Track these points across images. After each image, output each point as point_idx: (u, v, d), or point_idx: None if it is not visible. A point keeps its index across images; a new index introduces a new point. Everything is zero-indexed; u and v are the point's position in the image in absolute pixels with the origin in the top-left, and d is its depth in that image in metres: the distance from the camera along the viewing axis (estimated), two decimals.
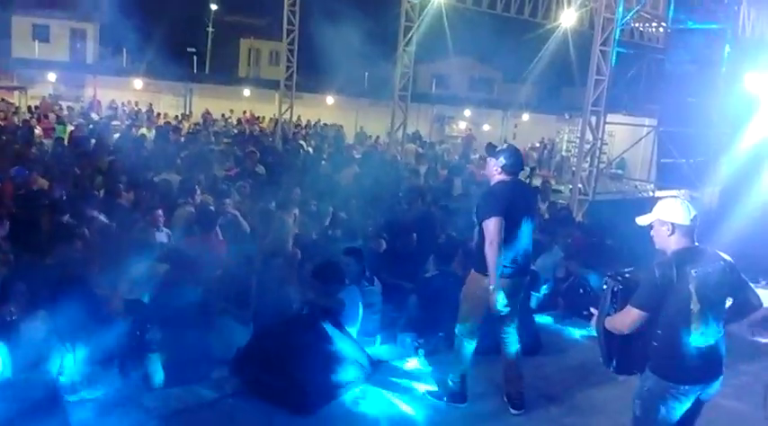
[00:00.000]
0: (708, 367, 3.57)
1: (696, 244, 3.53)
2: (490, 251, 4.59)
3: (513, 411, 4.99)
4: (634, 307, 3.48)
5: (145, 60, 25.97)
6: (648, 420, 3.61)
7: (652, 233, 3.62)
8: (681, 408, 3.61)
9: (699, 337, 3.44)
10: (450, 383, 5.07)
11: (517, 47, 24.41)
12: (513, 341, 5.03)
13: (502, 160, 4.82)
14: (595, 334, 3.81)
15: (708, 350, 3.51)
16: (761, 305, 3.69)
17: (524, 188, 5.16)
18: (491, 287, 4.61)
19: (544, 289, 7.60)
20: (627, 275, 3.68)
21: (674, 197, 3.65)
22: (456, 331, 5.02)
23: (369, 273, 6.38)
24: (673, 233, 3.53)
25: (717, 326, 3.51)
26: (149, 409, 4.49)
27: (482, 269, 4.74)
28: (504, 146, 5.25)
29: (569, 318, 7.11)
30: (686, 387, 3.55)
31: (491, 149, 5.31)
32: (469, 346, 4.96)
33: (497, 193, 4.79)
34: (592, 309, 3.85)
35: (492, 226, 4.59)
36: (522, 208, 4.83)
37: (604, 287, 3.73)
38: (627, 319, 3.52)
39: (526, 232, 4.88)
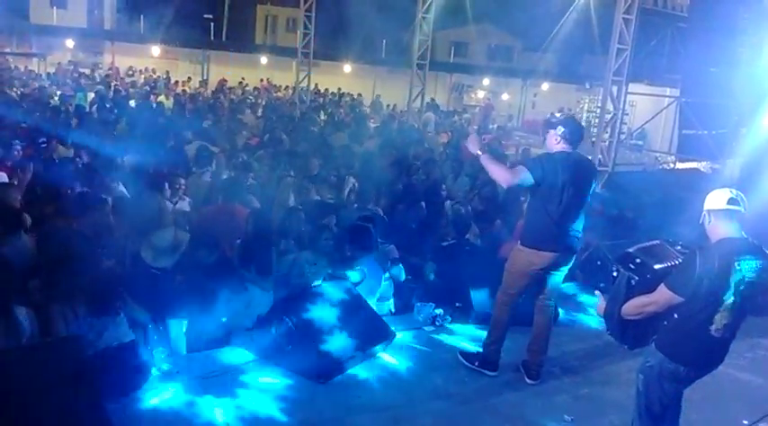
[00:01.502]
0: (717, 356, 3.61)
1: (744, 235, 3.46)
2: (502, 174, 4.66)
3: (528, 380, 5.07)
4: (670, 290, 3.43)
5: (162, 27, 25.87)
6: (649, 395, 3.66)
7: None
8: (682, 387, 3.67)
9: (720, 327, 3.42)
10: (484, 349, 5.14)
11: (537, 14, 24.01)
12: (549, 314, 5.12)
13: (561, 129, 4.77)
14: (603, 317, 3.81)
15: (722, 341, 3.53)
16: None
17: (586, 163, 5.03)
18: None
19: None
20: (638, 261, 3.64)
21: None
22: (497, 298, 5.07)
23: (381, 241, 6.45)
24: (711, 221, 3.49)
25: (740, 321, 3.49)
26: (172, 374, 4.60)
27: (529, 242, 4.79)
28: (561, 116, 5.20)
29: (586, 289, 7.13)
30: (692, 371, 3.59)
31: (548, 123, 5.24)
32: (507, 315, 5.01)
33: (552, 160, 4.70)
34: (597, 293, 3.87)
35: (519, 172, 4.61)
36: (581, 184, 4.75)
37: (615, 274, 3.72)
38: (660, 300, 3.47)
39: (581, 208, 4.83)
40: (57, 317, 4.36)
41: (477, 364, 5.12)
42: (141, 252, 5.33)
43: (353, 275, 5.76)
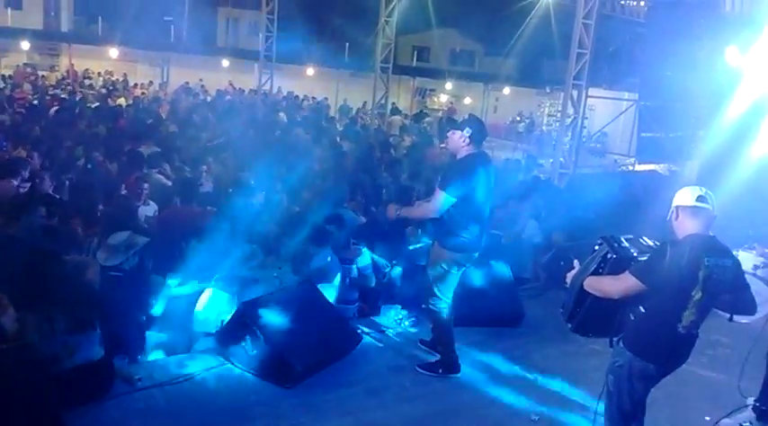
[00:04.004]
0: (685, 352, 3.63)
1: (711, 234, 3.48)
2: (424, 211, 4.90)
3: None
4: (634, 276, 3.43)
5: (120, 29, 25.39)
6: (621, 395, 3.66)
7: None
8: (651, 385, 3.68)
9: (687, 324, 3.43)
10: (442, 355, 5.14)
11: (499, 19, 24.28)
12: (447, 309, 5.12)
13: (468, 130, 4.81)
14: (567, 287, 3.81)
15: (689, 337, 3.54)
16: (755, 312, 3.71)
17: (490, 161, 5.13)
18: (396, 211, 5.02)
19: None
20: (623, 245, 3.64)
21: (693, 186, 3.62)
22: (430, 303, 5.07)
23: (353, 241, 6.41)
24: (678, 217, 3.52)
25: (704, 317, 3.50)
26: (134, 381, 4.47)
27: (442, 242, 4.90)
28: (466, 116, 5.27)
29: (550, 290, 7.18)
30: (660, 368, 3.61)
31: (452, 122, 5.33)
32: (446, 315, 5.04)
33: (464, 167, 4.81)
34: (575, 262, 3.83)
35: (439, 199, 4.73)
36: (487, 183, 4.87)
37: (596, 248, 3.70)
38: (621, 285, 3.48)
39: (488, 207, 4.97)
40: (31, 328, 4.23)
41: (440, 371, 5.12)
42: (98, 254, 5.17)
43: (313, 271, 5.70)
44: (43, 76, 22.98)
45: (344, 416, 4.44)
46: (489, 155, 5.27)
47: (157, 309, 5.20)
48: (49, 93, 18.31)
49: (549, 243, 8.01)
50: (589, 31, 12.00)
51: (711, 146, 9.89)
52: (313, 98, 25.81)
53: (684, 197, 3.52)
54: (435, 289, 5.00)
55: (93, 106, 16.08)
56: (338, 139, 13.16)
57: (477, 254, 5.04)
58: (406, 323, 5.92)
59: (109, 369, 4.39)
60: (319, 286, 5.67)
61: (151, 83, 24.46)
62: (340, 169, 9.14)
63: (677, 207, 3.53)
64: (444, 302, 5.01)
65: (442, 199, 4.71)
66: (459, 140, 4.85)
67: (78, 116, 13.13)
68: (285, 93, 24.79)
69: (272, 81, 20.08)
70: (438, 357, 5.18)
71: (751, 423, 4.76)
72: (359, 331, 5.53)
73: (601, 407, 3.78)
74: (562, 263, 7.41)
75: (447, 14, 29.45)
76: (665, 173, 13.34)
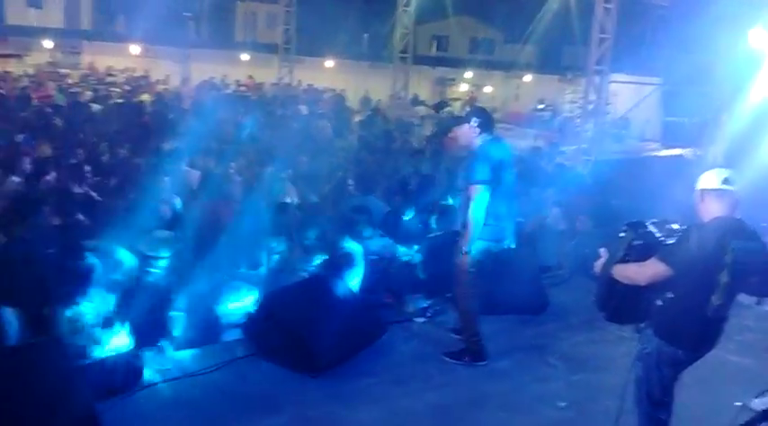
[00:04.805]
0: (714, 336, 3.59)
1: (737, 216, 3.43)
2: (473, 218, 4.71)
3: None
4: (661, 262, 3.39)
5: (141, 26, 25.57)
6: (650, 382, 3.63)
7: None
8: (680, 371, 3.65)
9: (715, 308, 3.39)
10: (467, 343, 5.13)
11: (518, 5, 24.04)
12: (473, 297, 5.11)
13: (475, 120, 4.85)
14: (597, 277, 3.76)
15: (718, 321, 3.51)
16: None
17: (507, 145, 5.15)
18: (464, 249, 4.77)
19: None
20: (648, 230, 3.59)
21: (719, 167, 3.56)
22: (456, 293, 5.10)
23: (380, 231, 6.45)
24: (703, 199, 3.47)
25: (732, 301, 3.46)
26: (162, 371, 4.55)
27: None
28: (468, 108, 5.30)
29: (574, 277, 7.14)
30: (689, 354, 3.58)
31: (456, 119, 5.34)
32: (472, 303, 5.03)
33: (484, 154, 4.79)
34: (601, 250, 3.78)
35: (479, 192, 4.68)
36: (509, 167, 4.91)
37: (621, 234, 3.65)
38: (648, 271, 3.44)
39: (512, 191, 4.97)
40: (59, 321, 4.33)
41: (467, 359, 5.11)
42: (139, 243, 5.26)
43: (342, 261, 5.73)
44: (66, 75, 23.20)
45: (371, 404, 4.47)
46: (505, 140, 5.26)
47: (185, 301, 5.28)
48: (71, 91, 18.47)
49: (573, 230, 7.96)
50: (611, 15, 11.86)
51: (735, 130, 9.74)
52: (332, 90, 25.80)
53: (709, 179, 3.47)
54: (460, 278, 4.99)
55: (117, 102, 16.25)
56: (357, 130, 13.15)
57: (506, 242, 5.02)
58: (431, 311, 5.91)
59: (138, 361, 4.47)
60: (345, 275, 5.71)
61: (168, 77, 24.61)
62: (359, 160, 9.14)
63: (702, 190, 3.48)
64: (470, 290, 5.00)
65: (480, 193, 4.70)
66: (469, 132, 4.88)
67: (102, 112, 13.28)
68: (305, 86, 24.81)
69: (291, 74, 20.10)
70: (464, 345, 5.18)
71: None
72: (384, 320, 5.54)
73: (627, 393, 3.77)
74: (587, 251, 7.39)
75: (465, 2, 29.25)
76: (691, 157, 13.18)
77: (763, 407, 3.60)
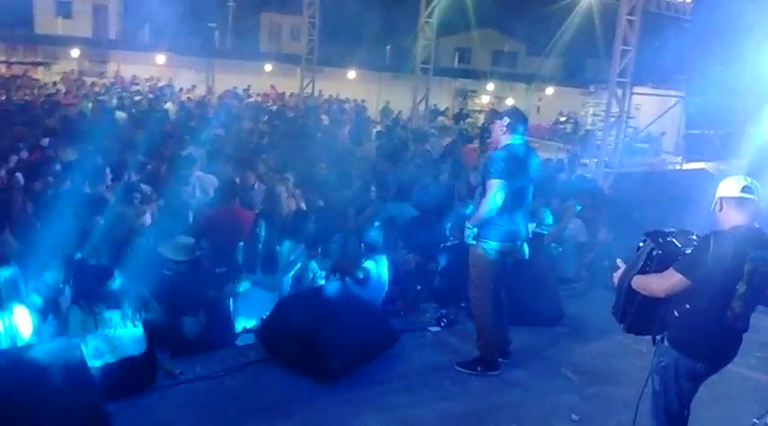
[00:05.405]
0: (733, 348, 3.52)
1: (756, 225, 3.37)
2: (485, 207, 4.75)
3: (501, 360, 5.13)
4: (679, 273, 3.33)
5: (167, 35, 25.93)
6: (668, 396, 3.56)
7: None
8: (698, 384, 3.58)
9: (732, 319, 3.31)
10: (481, 351, 5.10)
11: (541, 18, 24.00)
12: (502, 297, 5.15)
13: (506, 119, 4.93)
14: (615, 287, 3.71)
15: (736, 332, 3.43)
16: None
17: (531, 149, 5.20)
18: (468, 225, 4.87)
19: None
20: (669, 239, 3.53)
21: (737, 175, 3.50)
22: (471, 299, 5.09)
23: (402, 243, 6.43)
24: (722, 208, 3.40)
25: (751, 311, 3.38)
26: (176, 376, 4.56)
27: (482, 232, 4.87)
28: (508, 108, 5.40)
29: (593, 290, 7.06)
30: (708, 366, 3.51)
31: (495, 114, 5.47)
32: (489, 310, 5.01)
33: (504, 156, 4.84)
34: (618, 261, 3.75)
35: (494, 188, 4.72)
36: (526, 171, 4.95)
37: (640, 244, 3.60)
38: (666, 283, 3.39)
39: (528, 195, 5.03)
40: (75, 324, 4.37)
41: (479, 369, 5.07)
42: (161, 247, 5.29)
43: (357, 272, 5.73)
44: (93, 83, 23.59)
45: (381, 413, 4.43)
46: (530, 145, 5.27)
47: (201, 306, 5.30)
48: (97, 98, 18.76)
49: (593, 242, 7.88)
50: (633, 26, 11.79)
51: (760, 143, 9.59)
52: (354, 101, 25.92)
53: (729, 187, 3.40)
54: (476, 283, 4.98)
55: (140, 110, 16.49)
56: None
57: (519, 243, 5.03)
58: (446, 320, 5.87)
59: (152, 363, 4.48)
60: (361, 282, 5.70)
61: (194, 87, 24.90)
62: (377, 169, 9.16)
63: (721, 198, 3.42)
64: (485, 297, 4.98)
65: (496, 187, 4.73)
66: (498, 130, 4.98)
67: (126, 120, 13.46)
68: (326, 97, 24.96)
69: (313, 84, 20.21)
70: (478, 354, 5.13)
71: None
72: (397, 328, 5.51)
73: (641, 407, 3.69)
74: (606, 263, 7.31)
75: (488, 14, 29.23)
76: (714, 171, 13.02)
77: None
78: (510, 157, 4.83)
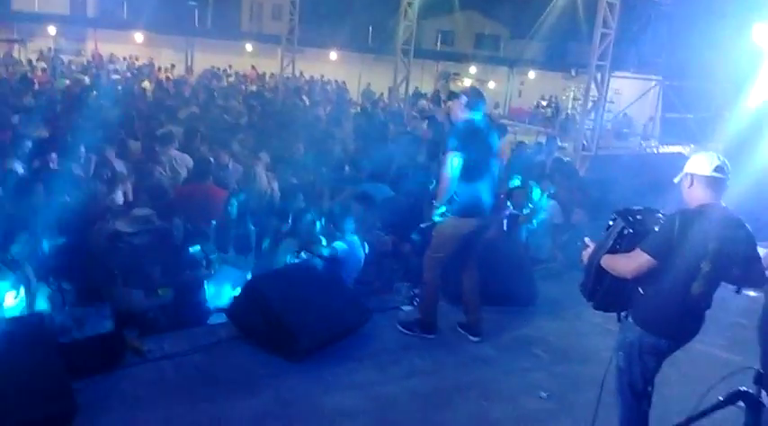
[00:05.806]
0: (695, 325, 3.53)
1: (723, 204, 3.35)
2: (442, 180, 4.90)
3: (473, 338, 5.26)
4: (645, 253, 3.31)
5: (146, 13, 25.53)
6: (632, 372, 3.58)
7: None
8: (662, 360, 3.59)
9: (696, 296, 3.33)
10: (421, 313, 5.27)
11: (524, 2, 23.94)
12: (475, 277, 5.29)
13: (464, 98, 5.05)
14: (585, 266, 3.70)
15: (698, 311, 3.45)
16: (766, 283, 3.47)
17: (490, 126, 5.34)
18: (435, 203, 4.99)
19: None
20: (638, 217, 3.50)
21: (710, 151, 3.48)
22: (425, 261, 5.19)
23: (380, 224, 6.43)
24: (692, 184, 3.37)
25: (714, 289, 3.40)
26: (142, 352, 4.52)
27: (456, 211, 4.98)
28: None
29: (567, 271, 7.09)
30: (670, 342, 3.52)
31: (452, 95, 5.63)
32: (437, 276, 5.16)
33: (461, 129, 4.97)
34: (587, 239, 3.74)
35: (447, 162, 4.84)
36: (487, 147, 5.05)
37: (610, 222, 3.58)
38: (633, 263, 3.36)
39: (490, 171, 5.09)
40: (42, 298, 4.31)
41: (417, 330, 5.24)
42: (117, 222, 5.22)
43: (324, 250, 5.70)
44: (69, 61, 23.23)
45: (351, 390, 4.44)
46: (490, 122, 5.36)
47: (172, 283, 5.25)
48: (72, 76, 18.47)
49: (568, 223, 7.92)
50: (614, 10, 11.78)
51: (737, 128, 9.64)
52: (335, 82, 25.77)
53: (700, 164, 3.36)
54: (434, 248, 5.12)
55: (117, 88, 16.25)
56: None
57: (481, 219, 5.11)
58: (417, 300, 5.87)
59: (119, 341, 4.44)
60: (332, 262, 5.67)
61: (173, 66, 24.59)
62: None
63: (692, 175, 3.37)
64: (436, 265, 5.11)
65: (450, 159, 4.82)
66: (457, 108, 5.09)
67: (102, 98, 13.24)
68: (307, 78, 24.80)
69: (293, 65, 20.02)
70: (418, 315, 5.30)
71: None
72: (370, 307, 5.51)
73: (607, 384, 3.71)
74: (579, 244, 7.35)
75: None
76: (690, 155, 13.11)
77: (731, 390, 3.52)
78: (466, 130, 4.94)
